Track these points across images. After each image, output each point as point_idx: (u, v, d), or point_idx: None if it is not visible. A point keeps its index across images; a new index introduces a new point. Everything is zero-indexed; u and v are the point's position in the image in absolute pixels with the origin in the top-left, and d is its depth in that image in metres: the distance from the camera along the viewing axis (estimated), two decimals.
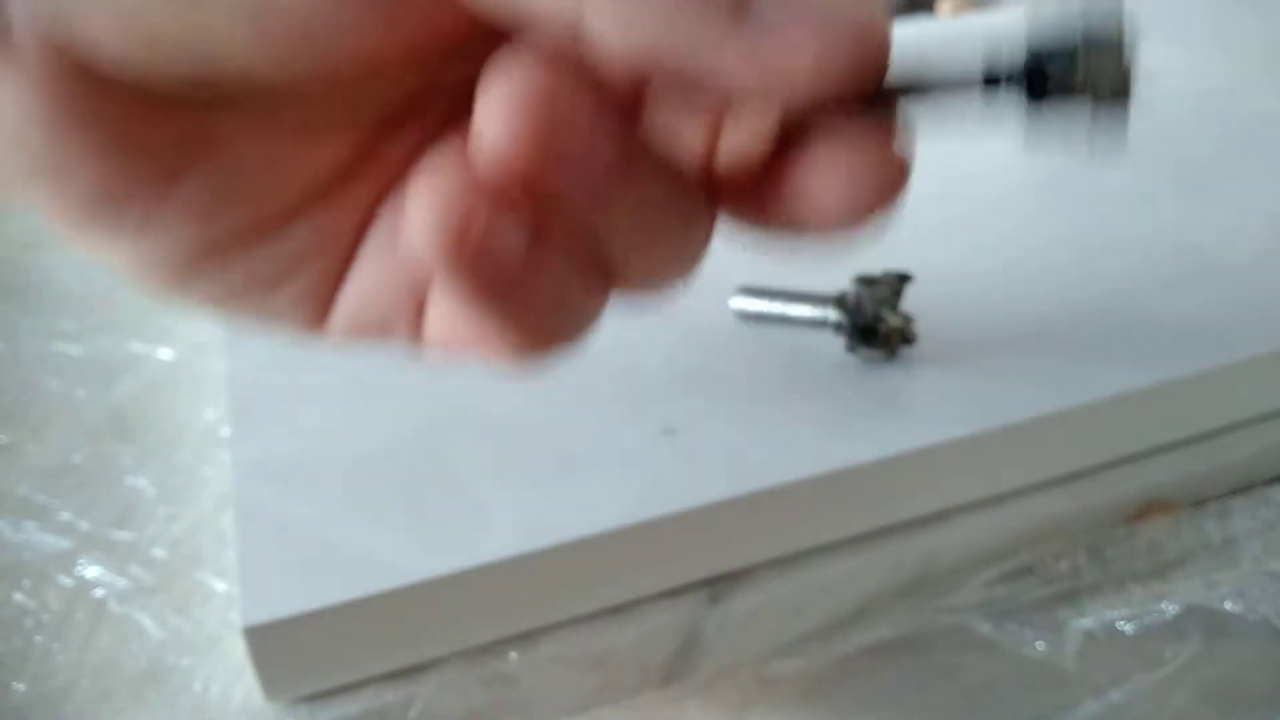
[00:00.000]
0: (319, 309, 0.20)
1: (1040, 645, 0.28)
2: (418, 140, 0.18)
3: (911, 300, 0.30)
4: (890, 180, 0.16)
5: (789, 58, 0.15)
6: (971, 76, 0.16)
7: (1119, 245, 0.37)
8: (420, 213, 0.16)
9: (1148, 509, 0.31)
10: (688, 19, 0.15)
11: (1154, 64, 0.54)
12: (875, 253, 0.36)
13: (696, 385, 0.30)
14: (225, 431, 0.32)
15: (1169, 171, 0.43)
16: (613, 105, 0.16)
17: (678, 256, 0.18)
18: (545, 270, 0.17)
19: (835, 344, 0.30)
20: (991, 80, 0.16)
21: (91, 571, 0.29)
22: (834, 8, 0.15)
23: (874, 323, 0.30)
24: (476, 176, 0.16)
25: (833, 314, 0.30)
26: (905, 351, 0.31)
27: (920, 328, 0.31)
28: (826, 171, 0.16)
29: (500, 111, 0.15)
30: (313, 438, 0.28)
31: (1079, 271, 0.35)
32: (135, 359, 0.38)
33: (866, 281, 0.30)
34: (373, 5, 0.16)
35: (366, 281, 0.20)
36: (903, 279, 0.30)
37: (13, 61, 0.16)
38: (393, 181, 0.19)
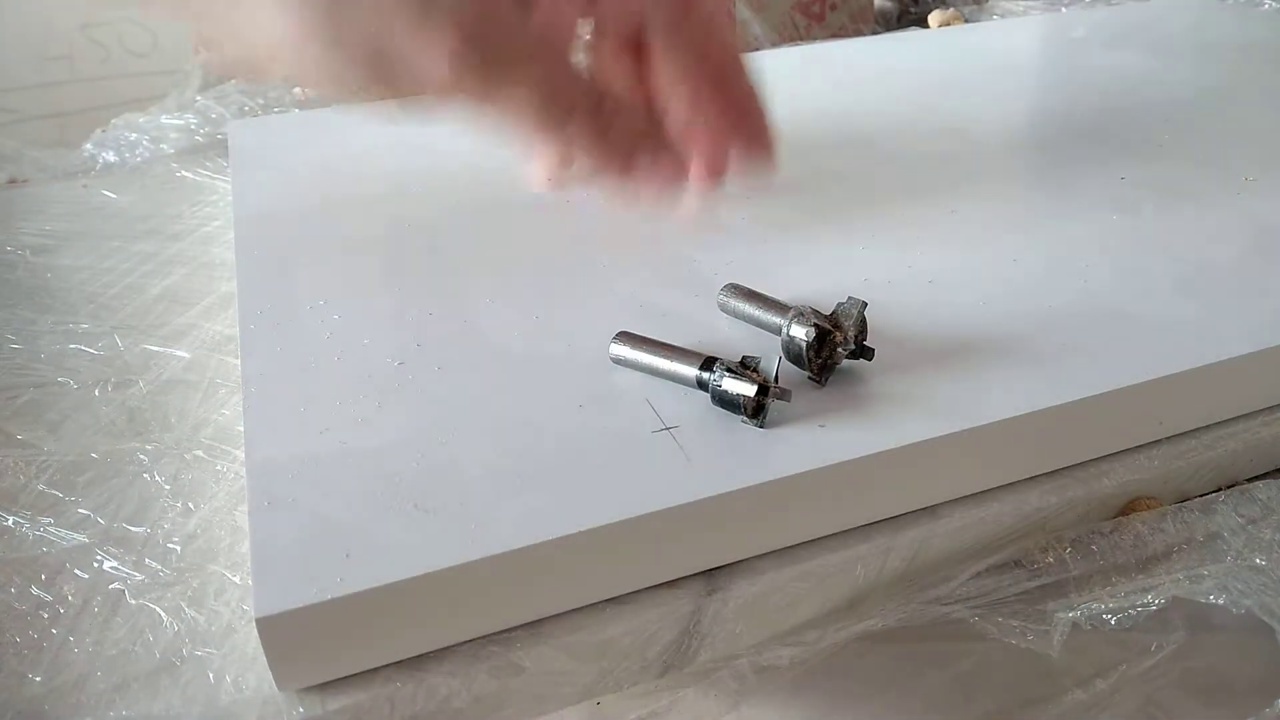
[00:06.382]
0: None
1: (1028, 636, 0.28)
2: None
3: (906, 300, 0.31)
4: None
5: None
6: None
7: (1105, 248, 0.38)
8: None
9: (1132, 505, 0.31)
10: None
11: (1133, 74, 0.55)
12: (872, 255, 0.37)
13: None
14: (239, 429, 0.33)
15: (1148, 177, 0.43)
16: None
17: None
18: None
19: None
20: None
21: (108, 565, 0.29)
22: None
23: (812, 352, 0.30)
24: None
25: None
26: (900, 350, 0.31)
27: (913, 327, 0.31)
28: None
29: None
30: (323, 435, 0.29)
31: (1065, 275, 0.36)
32: (152, 359, 0.38)
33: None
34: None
35: None
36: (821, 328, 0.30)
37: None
38: None
